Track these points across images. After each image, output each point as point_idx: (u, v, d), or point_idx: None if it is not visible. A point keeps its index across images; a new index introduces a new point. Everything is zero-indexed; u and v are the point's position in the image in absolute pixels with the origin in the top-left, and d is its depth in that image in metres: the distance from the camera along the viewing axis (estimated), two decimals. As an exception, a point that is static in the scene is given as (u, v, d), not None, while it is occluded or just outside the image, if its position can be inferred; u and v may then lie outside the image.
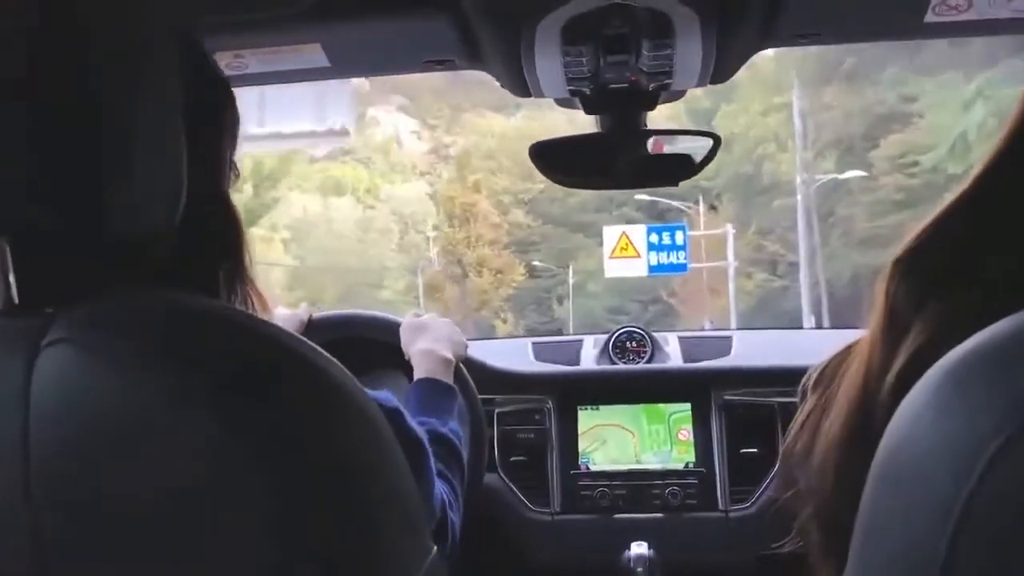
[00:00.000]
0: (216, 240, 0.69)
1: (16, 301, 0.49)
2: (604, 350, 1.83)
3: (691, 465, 1.61)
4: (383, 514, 0.48)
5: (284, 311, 1.44)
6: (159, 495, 0.43)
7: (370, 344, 1.43)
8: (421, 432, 1.01)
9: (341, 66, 1.18)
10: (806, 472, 0.69)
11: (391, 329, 1.41)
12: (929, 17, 1.04)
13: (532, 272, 25.08)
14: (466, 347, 1.39)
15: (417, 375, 1.27)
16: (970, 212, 0.57)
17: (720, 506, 1.58)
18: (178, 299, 0.51)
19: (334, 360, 0.50)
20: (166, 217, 0.54)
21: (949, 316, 0.54)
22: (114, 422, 0.43)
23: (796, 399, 0.78)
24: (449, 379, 1.28)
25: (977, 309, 0.46)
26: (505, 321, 23.58)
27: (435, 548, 0.56)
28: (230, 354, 0.46)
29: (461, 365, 1.38)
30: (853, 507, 0.45)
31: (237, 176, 0.80)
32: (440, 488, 1.08)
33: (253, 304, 0.74)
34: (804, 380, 0.73)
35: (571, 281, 23.79)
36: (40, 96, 0.47)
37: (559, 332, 23.17)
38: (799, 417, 0.71)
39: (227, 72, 1.15)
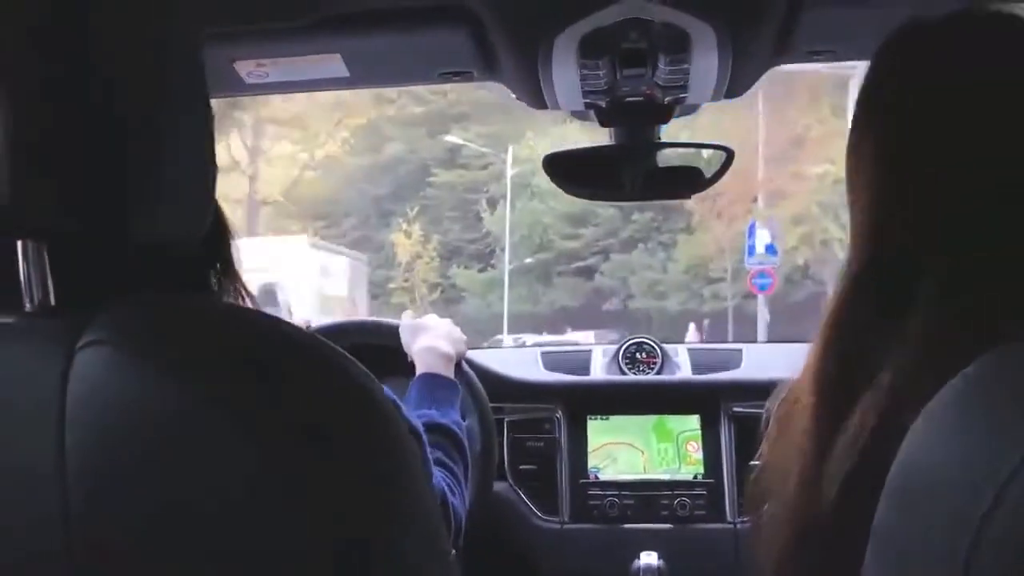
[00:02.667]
0: (207, 240, 0.71)
1: (52, 303, 0.50)
2: (614, 360, 1.83)
3: (700, 476, 1.61)
4: (407, 518, 0.49)
5: None
6: (190, 498, 0.44)
7: (370, 350, 1.45)
8: (418, 423, 1.06)
9: (360, 76, 1.19)
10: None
11: (391, 333, 1.42)
12: None
13: (454, 159, 15.94)
14: (466, 344, 1.41)
15: (419, 371, 1.30)
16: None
17: (729, 517, 1.58)
18: (210, 303, 0.52)
19: (364, 369, 0.51)
20: (194, 223, 0.55)
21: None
22: (148, 424, 0.44)
23: None
24: (450, 374, 1.31)
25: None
26: (409, 235, 15.40)
27: (452, 552, 0.57)
28: (263, 360, 0.47)
29: (464, 363, 1.41)
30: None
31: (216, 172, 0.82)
32: (439, 476, 1.10)
33: (245, 302, 0.76)
34: (767, 406, 0.73)
35: (509, 173, 14.95)
36: (68, 103, 0.48)
37: (490, 255, 15.80)
38: (764, 445, 0.71)
39: (248, 80, 1.18)
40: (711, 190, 1.37)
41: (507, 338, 14.99)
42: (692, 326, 14.50)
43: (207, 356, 0.46)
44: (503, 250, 15.40)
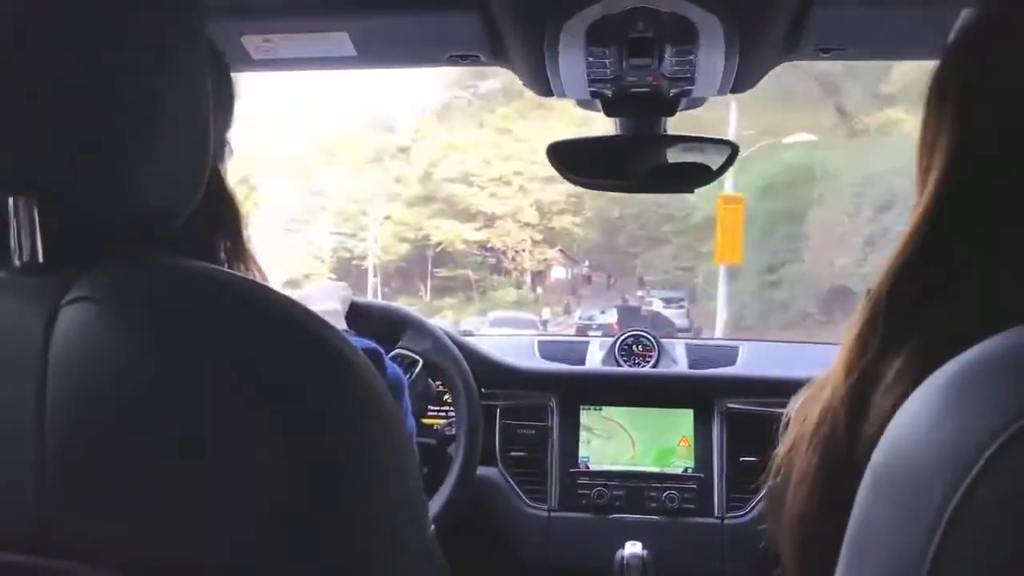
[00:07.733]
0: (214, 215, 0.71)
1: (40, 260, 0.50)
2: (610, 352, 1.84)
3: (690, 470, 1.62)
4: (388, 492, 0.50)
5: None
6: (165, 456, 0.45)
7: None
8: (402, 376, 1.15)
9: (367, 56, 1.19)
10: (783, 502, 0.69)
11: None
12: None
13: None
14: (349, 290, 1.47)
15: None
16: (923, 245, 0.57)
17: (716, 512, 1.59)
18: (200, 267, 0.53)
19: (342, 334, 0.51)
20: (190, 191, 0.56)
21: (912, 361, 0.53)
22: (127, 380, 0.45)
23: None
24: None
25: (936, 350, 0.46)
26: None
27: (432, 528, 0.57)
28: (244, 324, 0.48)
29: (459, 354, 1.52)
30: (833, 533, 0.45)
31: (231, 153, 0.83)
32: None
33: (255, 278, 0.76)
34: (787, 409, 0.73)
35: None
36: (68, 64, 0.48)
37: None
38: (780, 449, 0.71)
39: (255, 56, 1.18)
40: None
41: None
42: None
43: (189, 317, 0.46)
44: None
